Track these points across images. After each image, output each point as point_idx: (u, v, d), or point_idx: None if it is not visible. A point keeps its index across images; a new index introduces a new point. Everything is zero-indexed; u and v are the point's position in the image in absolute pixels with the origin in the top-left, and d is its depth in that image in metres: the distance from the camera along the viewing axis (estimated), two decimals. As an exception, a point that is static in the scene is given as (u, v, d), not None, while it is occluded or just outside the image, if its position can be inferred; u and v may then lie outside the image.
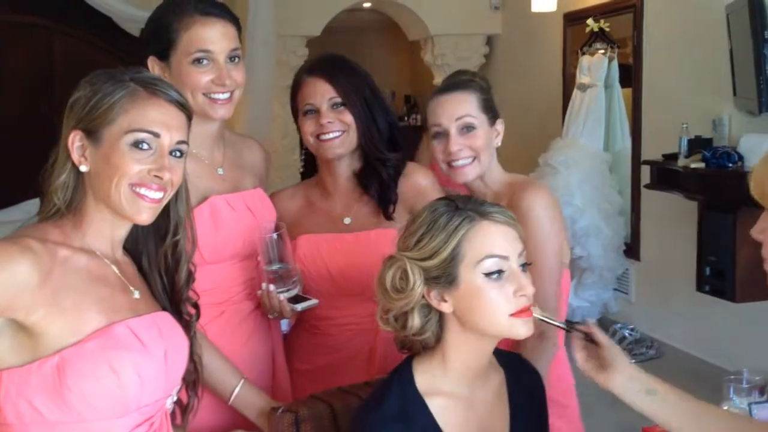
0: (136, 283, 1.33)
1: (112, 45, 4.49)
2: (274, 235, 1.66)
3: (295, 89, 1.85)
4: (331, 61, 1.87)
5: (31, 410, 1.17)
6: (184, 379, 1.37)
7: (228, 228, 1.68)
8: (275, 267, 1.66)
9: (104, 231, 1.29)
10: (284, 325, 1.97)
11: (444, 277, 1.30)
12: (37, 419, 1.18)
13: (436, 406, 1.32)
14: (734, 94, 3.83)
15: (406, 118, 7.96)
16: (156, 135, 1.26)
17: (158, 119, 1.26)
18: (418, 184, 1.86)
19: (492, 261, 1.29)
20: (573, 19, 5.45)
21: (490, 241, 1.29)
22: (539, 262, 1.68)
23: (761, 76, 3.30)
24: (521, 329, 1.30)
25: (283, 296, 1.66)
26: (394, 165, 1.84)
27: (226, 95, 1.66)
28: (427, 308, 1.33)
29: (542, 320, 1.34)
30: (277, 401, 1.63)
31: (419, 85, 7.79)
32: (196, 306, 1.42)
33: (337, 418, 1.47)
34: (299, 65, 6.91)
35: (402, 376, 1.35)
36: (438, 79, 6.63)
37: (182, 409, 1.41)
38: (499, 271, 1.29)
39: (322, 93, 1.79)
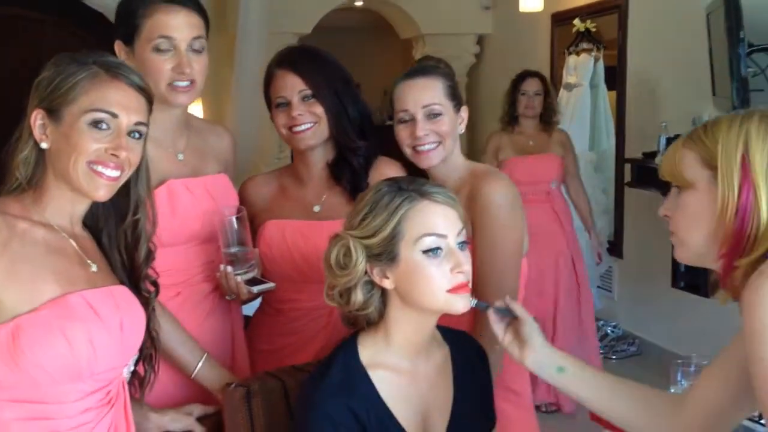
0: (95, 257, 1.38)
1: (103, 38, 4.53)
2: (234, 218, 1.70)
3: (267, 82, 1.88)
4: (301, 53, 1.89)
5: None
6: (141, 352, 1.42)
7: (185, 211, 1.72)
8: (233, 250, 1.70)
9: (64, 206, 1.34)
10: (250, 309, 2.02)
11: (385, 254, 1.35)
12: None
13: (379, 378, 1.37)
14: (713, 93, 3.87)
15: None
16: (114, 115, 1.31)
17: (117, 101, 1.32)
18: (387, 176, 1.89)
19: (430, 239, 1.34)
20: (561, 20, 5.51)
21: (429, 220, 1.34)
22: (498, 250, 1.76)
23: (735, 75, 3.34)
24: (458, 304, 1.35)
25: (240, 278, 1.71)
26: (365, 155, 1.87)
27: (186, 83, 1.70)
28: (370, 285, 1.39)
29: (475, 306, 1.41)
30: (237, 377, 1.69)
31: (411, 84, 7.84)
32: (155, 284, 1.47)
33: (288, 393, 1.52)
34: None
35: (346, 350, 1.40)
36: (429, 78, 6.69)
37: (140, 381, 1.46)
38: (437, 249, 1.34)
39: (292, 86, 1.82)
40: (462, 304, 1.36)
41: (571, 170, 4.13)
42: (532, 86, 4.05)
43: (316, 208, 1.88)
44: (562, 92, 5.17)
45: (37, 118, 1.31)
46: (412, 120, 1.80)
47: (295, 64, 1.84)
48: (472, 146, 6.21)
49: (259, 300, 1.95)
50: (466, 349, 1.52)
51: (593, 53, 5.10)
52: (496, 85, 6.44)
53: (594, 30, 5.10)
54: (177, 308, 1.71)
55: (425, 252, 1.34)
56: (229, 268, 1.71)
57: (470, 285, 1.37)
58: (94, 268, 1.36)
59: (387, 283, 1.37)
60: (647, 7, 4.64)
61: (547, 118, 4.10)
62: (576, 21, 5.17)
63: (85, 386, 1.30)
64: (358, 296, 1.38)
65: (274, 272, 1.85)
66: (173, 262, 1.71)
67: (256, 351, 1.92)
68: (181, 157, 1.78)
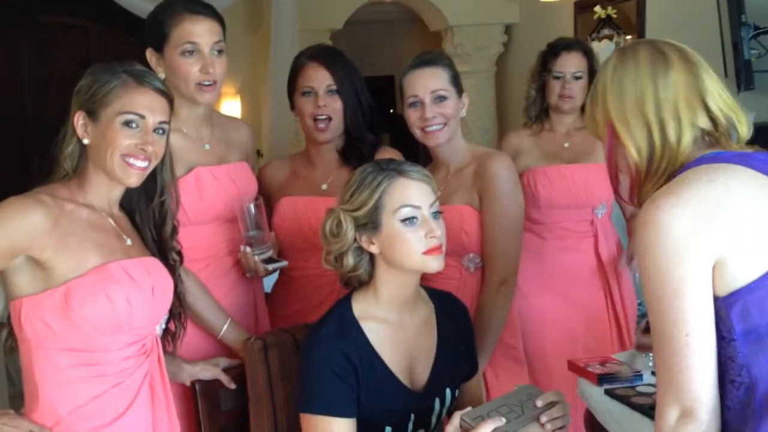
0: (130, 233, 1.67)
1: (144, 42, 4.85)
2: (252, 205, 1.97)
3: (296, 71, 2.14)
4: (330, 51, 2.19)
5: (44, 327, 1.53)
6: (171, 311, 1.70)
7: (210, 194, 1.99)
8: (251, 233, 1.97)
9: (102, 191, 1.63)
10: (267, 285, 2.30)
11: (370, 224, 1.61)
12: (49, 334, 1.53)
13: (369, 328, 1.62)
14: (725, 75, 4.01)
15: (430, 107, 8.16)
16: (142, 116, 1.60)
17: (144, 104, 1.61)
18: None
19: (407, 209, 1.59)
20: (583, 7, 5.64)
21: (406, 194, 1.59)
22: (505, 219, 2.06)
23: (739, 57, 3.49)
24: (433, 264, 1.60)
25: (257, 257, 1.98)
26: (372, 144, 2.16)
27: (210, 82, 1.96)
28: (359, 250, 1.65)
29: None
30: None
31: (443, 74, 7.98)
32: (179, 254, 1.76)
33: (298, 345, 1.79)
34: None
35: (341, 305, 1.66)
36: (459, 68, 6.65)
37: (171, 336, 1.74)
38: (413, 218, 1.59)
39: (321, 78, 2.09)
40: (437, 263, 1.60)
41: None
42: (570, 64, 2.71)
43: (324, 186, 2.17)
44: (586, 78, 5.29)
45: (79, 119, 1.60)
46: (421, 104, 2.07)
47: (325, 60, 2.11)
48: (502, 132, 6.38)
49: (276, 274, 2.23)
50: (450, 306, 1.77)
51: (614, 39, 5.24)
52: (525, 73, 6.58)
53: (615, 16, 5.23)
54: (206, 279, 1.98)
55: (403, 221, 1.59)
56: (248, 249, 1.97)
57: (443, 248, 1.61)
58: (129, 242, 1.64)
59: (373, 248, 1.62)
60: (663, -8, 4.77)
61: None
62: (597, 8, 5.31)
63: (125, 338, 1.58)
64: (349, 260, 1.64)
65: (287, 243, 2.14)
66: (201, 239, 1.99)
67: (276, 315, 2.21)
68: (207, 147, 2.04)
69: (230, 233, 2.05)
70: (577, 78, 2.70)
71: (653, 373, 1.87)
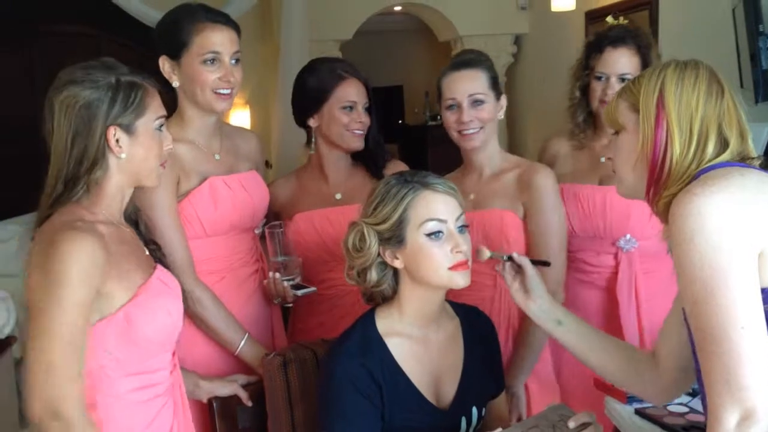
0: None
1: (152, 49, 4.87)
2: (281, 231, 1.96)
3: (334, 82, 2.15)
4: (358, 69, 2.22)
5: (107, 355, 1.47)
6: None
7: (225, 204, 1.96)
8: (281, 258, 1.96)
9: (116, 202, 1.57)
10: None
11: (394, 238, 1.56)
12: (112, 363, 1.47)
13: (393, 344, 1.58)
14: (741, 86, 3.97)
15: (439, 117, 8.15)
16: (166, 117, 1.62)
17: (160, 105, 1.60)
18: None
19: (432, 224, 1.55)
20: (594, 17, 5.61)
21: (431, 207, 1.55)
22: (553, 231, 2.02)
23: (757, 68, 3.45)
24: (459, 280, 1.56)
25: (286, 283, 1.96)
26: (384, 149, 2.24)
27: (228, 90, 1.95)
28: (383, 265, 1.60)
29: (492, 257, 1.64)
30: None
31: (452, 84, 7.98)
32: (154, 243, 1.69)
33: (319, 361, 1.75)
34: None
35: (365, 321, 1.62)
36: (468, 79, 6.82)
37: None
38: (439, 232, 1.55)
39: (361, 94, 2.16)
40: (463, 280, 1.56)
41: None
42: (616, 63, 2.18)
43: (338, 196, 2.18)
44: (597, 88, 5.26)
45: (114, 133, 1.52)
46: (459, 107, 2.05)
47: (363, 78, 2.18)
48: (512, 142, 6.36)
49: None
50: (476, 322, 1.72)
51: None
52: (534, 83, 6.59)
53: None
54: (221, 292, 1.95)
55: (428, 235, 1.55)
56: (278, 275, 1.95)
57: (469, 263, 1.57)
58: (146, 251, 1.60)
59: (397, 263, 1.58)
60: (677, 2, 4.74)
61: None
62: (609, 18, 5.25)
63: (170, 350, 1.56)
64: (373, 275, 1.59)
65: (309, 258, 2.11)
66: (216, 250, 1.96)
67: (297, 329, 2.19)
68: (217, 157, 2.01)
69: (245, 243, 2.04)
70: (624, 80, 2.14)
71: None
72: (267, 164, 6.86)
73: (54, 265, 1.37)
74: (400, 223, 1.55)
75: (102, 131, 1.50)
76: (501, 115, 2.11)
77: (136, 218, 1.65)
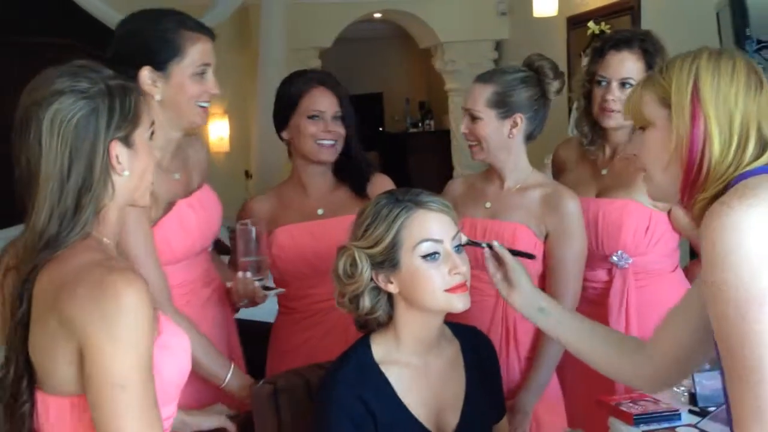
0: None
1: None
2: (254, 229, 1.86)
3: (299, 93, 2.06)
4: (332, 77, 2.14)
5: None
6: None
7: (192, 228, 1.85)
8: (254, 258, 1.86)
9: (117, 231, 1.33)
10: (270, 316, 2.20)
11: (388, 261, 1.47)
12: None
13: (392, 373, 1.49)
14: (726, 90, 3.94)
15: (420, 124, 8.11)
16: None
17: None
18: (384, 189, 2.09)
19: (427, 244, 1.46)
20: (575, 23, 5.58)
21: (426, 227, 1.47)
22: (576, 256, 1.97)
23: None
24: (458, 303, 1.47)
25: (258, 284, 1.87)
26: (366, 162, 2.16)
27: (209, 104, 1.84)
28: (377, 290, 1.51)
29: (469, 244, 1.56)
30: None
31: (432, 91, 7.94)
32: None
33: (311, 389, 1.65)
34: None
35: (360, 348, 1.53)
36: (449, 85, 6.79)
37: None
38: (435, 254, 1.46)
39: (330, 104, 2.06)
40: (462, 303, 1.47)
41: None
42: (618, 67, 2.10)
43: (320, 211, 2.10)
44: (580, 94, 5.23)
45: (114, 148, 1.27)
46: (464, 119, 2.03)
47: (334, 87, 2.09)
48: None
49: (274, 305, 2.14)
50: (476, 343, 1.64)
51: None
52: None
53: (609, 31, 5.17)
54: (188, 316, 1.81)
55: (424, 257, 1.46)
56: (249, 275, 1.85)
57: (468, 284, 1.49)
58: None
59: (392, 288, 1.49)
60: (659, 7, 4.72)
61: None
62: (590, 23, 5.25)
63: (179, 395, 1.38)
64: (366, 302, 1.50)
65: (289, 273, 2.04)
66: (184, 274, 1.86)
67: (279, 352, 2.09)
68: (177, 176, 1.87)
69: (204, 262, 1.95)
70: (626, 85, 2.07)
71: (690, 411, 1.76)
72: (247, 175, 6.82)
73: (117, 320, 1.15)
74: (393, 246, 1.46)
75: (104, 148, 1.25)
76: (512, 134, 1.97)
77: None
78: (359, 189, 2.08)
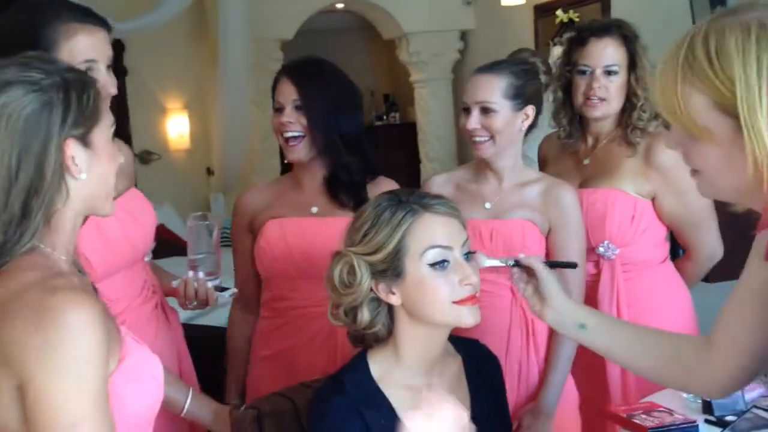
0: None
1: None
2: (205, 223, 1.71)
3: (273, 87, 1.94)
4: (304, 64, 1.93)
5: None
6: None
7: (115, 239, 1.66)
8: (202, 256, 1.71)
9: (73, 242, 1.19)
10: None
11: (391, 270, 1.32)
12: None
13: (393, 395, 1.35)
14: (700, 78, 3.88)
15: (385, 117, 7.98)
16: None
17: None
18: None
19: (435, 251, 1.31)
20: (543, 11, 5.49)
21: (433, 233, 1.32)
22: (578, 245, 1.90)
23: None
24: (468, 317, 1.33)
25: (210, 284, 1.71)
26: (360, 170, 1.90)
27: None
28: (376, 301, 1.36)
29: (491, 266, 1.42)
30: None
31: (397, 83, 7.81)
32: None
33: (299, 413, 1.49)
34: (276, 69, 6.83)
35: (357, 367, 1.38)
36: (415, 77, 6.66)
37: None
38: (444, 261, 1.32)
39: (287, 93, 1.87)
40: (472, 316, 1.33)
41: (688, 219, 2.12)
42: (601, 55, 2.07)
43: (314, 209, 1.92)
44: (549, 84, 5.15)
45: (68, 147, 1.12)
46: (469, 112, 1.87)
47: (293, 74, 1.89)
48: (461, 139, 6.18)
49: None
50: (479, 357, 1.50)
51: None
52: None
53: (577, 20, 5.09)
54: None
55: (432, 265, 1.32)
56: (201, 274, 1.70)
57: (478, 295, 1.35)
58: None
59: (393, 299, 1.35)
60: (630, -6, 4.64)
61: (630, 123, 2.09)
62: (559, 12, 5.16)
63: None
64: (365, 314, 1.35)
65: (273, 270, 1.90)
66: (114, 292, 1.64)
67: (259, 358, 1.94)
68: None
69: (139, 275, 1.76)
70: (611, 73, 2.06)
71: (707, 421, 1.65)
72: (209, 172, 6.61)
73: (61, 349, 1.00)
74: (397, 253, 1.31)
75: (57, 146, 1.10)
76: (523, 127, 1.88)
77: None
78: (355, 198, 1.88)
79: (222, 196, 5.95)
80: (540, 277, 1.37)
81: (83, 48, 1.53)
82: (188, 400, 1.61)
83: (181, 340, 1.89)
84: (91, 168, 1.15)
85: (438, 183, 1.99)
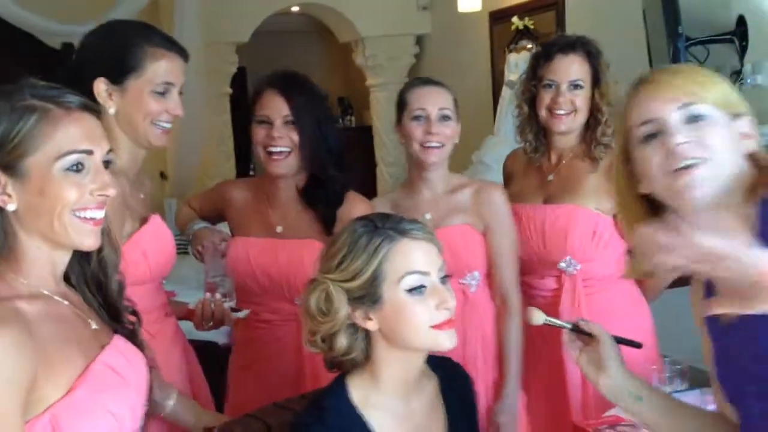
0: (88, 312, 1.28)
1: (32, 58, 4.43)
2: (223, 244, 1.84)
3: (255, 98, 1.97)
4: (291, 78, 1.98)
5: None
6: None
7: (167, 244, 1.79)
8: (221, 278, 1.82)
9: (45, 267, 1.21)
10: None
11: (368, 296, 1.32)
12: None
13: (373, 418, 1.35)
14: (654, 87, 3.97)
15: (340, 120, 7.96)
16: (89, 152, 1.19)
17: (84, 135, 1.20)
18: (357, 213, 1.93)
19: (413, 277, 1.32)
20: (499, 18, 5.55)
21: (411, 258, 1.33)
22: (511, 242, 2.08)
23: (676, 70, 3.42)
24: (445, 341, 1.34)
25: (227, 305, 1.80)
26: (341, 184, 1.96)
27: (170, 125, 1.71)
28: (353, 327, 1.36)
29: (548, 323, 1.41)
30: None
31: (352, 86, 7.80)
32: (134, 313, 1.38)
33: (273, 436, 1.48)
34: (231, 73, 6.64)
35: (337, 393, 1.37)
36: (370, 80, 6.66)
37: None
38: (421, 287, 1.33)
39: (278, 108, 1.90)
40: (449, 341, 1.34)
41: None
42: (566, 70, 2.11)
43: (279, 229, 1.96)
44: (505, 90, 5.20)
45: None
46: (428, 119, 2.03)
47: (284, 88, 1.92)
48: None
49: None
50: (453, 375, 1.52)
51: (534, 50, 5.15)
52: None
53: (532, 27, 5.16)
54: (166, 346, 1.75)
55: (409, 291, 1.32)
56: (218, 296, 1.79)
57: (454, 319, 1.35)
58: (94, 325, 1.26)
59: (371, 325, 1.35)
60: (584, 3, 4.72)
61: (594, 139, 2.13)
62: (514, 19, 5.22)
63: None
64: (342, 341, 1.35)
65: (237, 284, 1.94)
66: (156, 299, 1.78)
67: (236, 368, 2.04)
68: (141, 196, 1.79)
69: (162, 294, 1.83)
70: (576, 87, 2.10)
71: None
72: (162, 176, 6.50)
73: None
74: (375, 279, 1.31)
75: None
76: (456, 139, 2.09)
77: (101, 279, 1.29)
78: (327, 220, 1.92)
79: (175, 202, 5.86)
80: (603, 347, 1.35)
81: (164, 71, 1.66)
82: (171, 402, 1.61)
83: (192, 355, 1.93)
84: (23, 198, 1.16)
85: (378, 207, 2.00)
